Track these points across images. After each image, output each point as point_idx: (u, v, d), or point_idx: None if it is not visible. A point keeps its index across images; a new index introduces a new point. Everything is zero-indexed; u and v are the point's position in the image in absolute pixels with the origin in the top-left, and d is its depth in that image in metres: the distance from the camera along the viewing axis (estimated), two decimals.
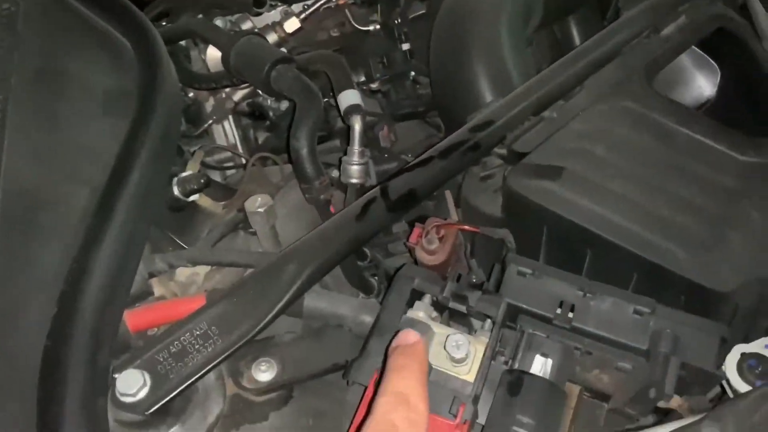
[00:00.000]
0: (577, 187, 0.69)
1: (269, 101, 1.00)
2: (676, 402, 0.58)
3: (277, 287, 0.57)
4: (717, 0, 0.91)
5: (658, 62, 0.85)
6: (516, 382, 0.55)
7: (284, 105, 1.01)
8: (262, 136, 1.04)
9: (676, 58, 0.92)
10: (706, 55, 0.94)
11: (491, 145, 0.72)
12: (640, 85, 0.80)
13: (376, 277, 0.78)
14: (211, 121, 0.97)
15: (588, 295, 0.61)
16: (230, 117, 1.01)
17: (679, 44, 0.86)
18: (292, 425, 0.57)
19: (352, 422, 0.52)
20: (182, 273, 0.67)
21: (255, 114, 0.97)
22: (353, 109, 0.73)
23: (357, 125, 0.73)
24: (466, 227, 0.67)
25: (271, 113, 0.99)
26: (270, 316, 0.56)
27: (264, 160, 0.84)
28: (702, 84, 0.96)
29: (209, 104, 1.00)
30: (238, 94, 0.99)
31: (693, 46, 0.94)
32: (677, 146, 0.74)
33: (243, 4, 0.93)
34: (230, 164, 0.99)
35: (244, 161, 0.98)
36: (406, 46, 1.03)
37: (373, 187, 0.66)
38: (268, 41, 0.83)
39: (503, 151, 0.74)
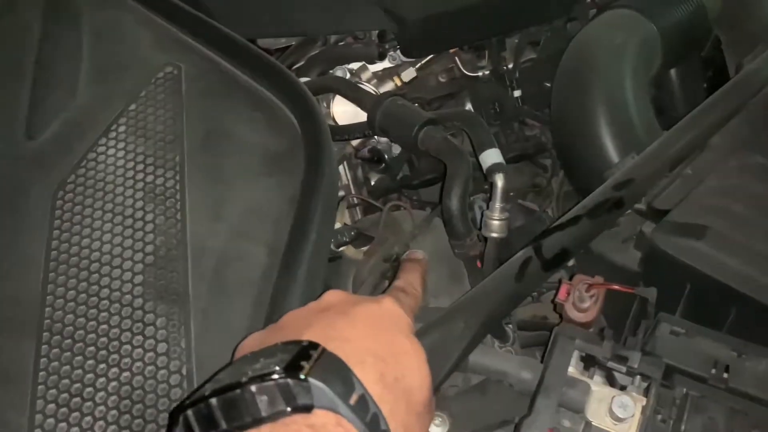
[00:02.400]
0: (720, 245, 0.71)
1: (383, 146, 1.04)
2: None
3: (451, 341, 0.60)
4: None
5: None
6: None
7: (396, 149, 1.05)
8: (372, 178, 1.09)
9: None
10: None
11: (633, 202, 0.75)
12: None
13: (510, 326, 0.80)
14: None
15: (743, 356, 0.63)
16: (345, 161, 1.05)
17: None
18: None
19: None
20: None
21: (373, 158, 1.02)
22: (496, 167, 0.77)
23: (500, 182, 0.76)
24: (617, 287, 0.70)
25: (386, 156, 1.03)
26: (447, 371, 0.59)
27: (397, 208, 0.88)
28: None
29: None
30: (356, 141, 1.03)
31: None
32: None
33: (367, 56, 0.97)
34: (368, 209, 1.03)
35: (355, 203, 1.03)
36: (517, 93, 1.07)
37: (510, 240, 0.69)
38: (411, 104, 0.87)
39: (642, 207, 0.76)
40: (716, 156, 0.80)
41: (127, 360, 0.60)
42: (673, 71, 1.12)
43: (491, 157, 0.78)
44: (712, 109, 0.84)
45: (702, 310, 0.72)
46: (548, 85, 1.03)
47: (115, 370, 0.60)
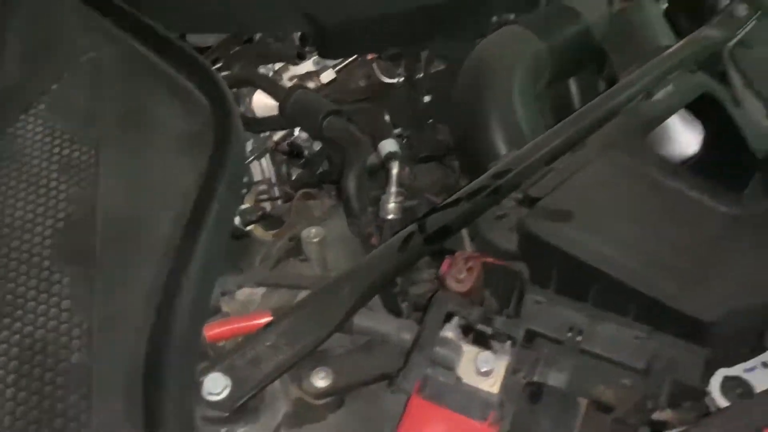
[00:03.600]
0: (584, 229, 0.81)
1: (304, 141, 1.11)
2: (668, 414, 0.68)
3: (335, 306, 0.67)
4: (701, 71, 1.05)
5: (651, 122, 0.98)
6: (537, 391, 0.65)
7: (317, 145, 1.12)
8: (294, 172, 1.15)
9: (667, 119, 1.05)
10: (692, 116, 1.07)
11: (509, 190, 0.84)
12: (635, 142, 0.93)
13: (405, 303, 0.88)
14: (252, 158, 1.08)
15: (596, 321, 0.72)
16: (267, 155, 1.12)
17: (668, 107, 0.99)
18: (344, 426, 0.66)
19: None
20: (242, 293, 0.77)
21: (292, 152, 1.09)
22: (392, 155, 0.85)
23: (394, 169, 0.84)
24: (490, 260, 0.78)
25: (306, 152, 1.10)
26: (330, 331, 0.66)
27: (307, 195, 0.95)
28: (689, 141, 1.09)
29: (249, 143, 1.11)
30: (277, 135, 1.10)
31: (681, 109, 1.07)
32: (668, 197, 0.87)
33: (287, 56, 1.05)
34: (265, 197, 1.10)
35: (277, 195, 1.09)
36: (427, 98, 1.16)
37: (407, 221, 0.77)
38: (319, 95, 0.94)
39: (519, 196, 0.86)
40: (589, 154, 0.91)
41: (31, 315, 0.64)
42: (573, 85, 1.24)
43: (388, 146, 0.87)
44: (588, 114, 0.95)
45: (570, 285, 0.81)
46: None
47: (18, 324, 0.64)
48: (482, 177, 0.83)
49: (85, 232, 0.70)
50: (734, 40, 1.10)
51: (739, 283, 0.77)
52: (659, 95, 1.00)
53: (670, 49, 1.08)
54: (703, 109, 1.06)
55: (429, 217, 0.77)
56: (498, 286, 0.84)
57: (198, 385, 0.61)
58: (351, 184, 0.80)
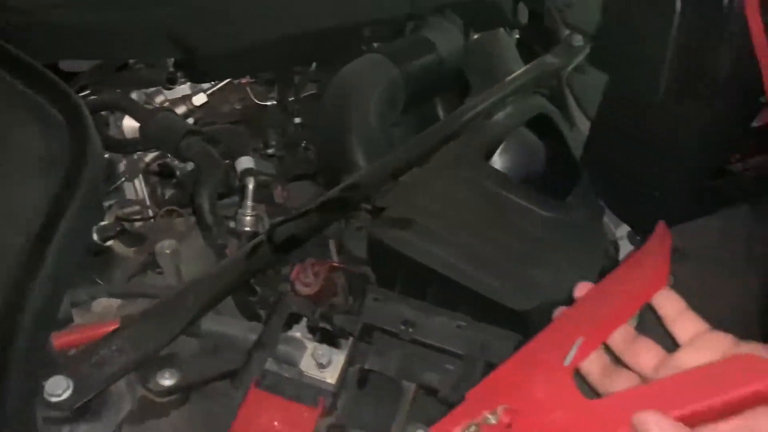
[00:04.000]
0: (424, 235, 0.90)
1: (176, 162, 1.16)
2: None
3: (181, 312, 0.73)
4: (537, 94, 1.19)
5: (491, 140, 1.10)
6: (363, 378, 0.73)
7: (190, 166, 1.17)
8: (168, 192, 1.19)
9: (516, 136, 1.18)
10: (533, 134, 1.20)
11: (357, 202, 0.92)
12: (475, 158, 1.04)
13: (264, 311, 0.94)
14: (123, 179, 1.12)
15: (426, 315, 0.81)
16: (140, 176, 1.16)
17: (506, 126, 1.12)
18: (187, 421, 0.71)
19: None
20: (99, 304, 0.80)
21: (164, 173, 1.13)
22: (247, 171, 0.92)
23: (250, 185, 0.91)
24: (334, 264, 0.86)
25: (177, 172, 1.15)
26: (174, 334, 0.71)
27: (171, 212, 0.99)
28: (532, 156, 1.22)
29: (122, 164, 1.14)
30: (149, 156, 1.14)
31: (524, 127, 1.20)
32: (499, 205, 0.98)
33: (157, 81, 1.10)
34: (138, 217, 1.13)
35: (151, 213, 1.13)
36: (298, 120, 1.24)
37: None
38: (180, 116, 1.00)
39: (368, 207, 0.94)
40: (434, 168, 1.01)
41: None
42: (439, 106, 1.36)
43: (244, 163, 0.93)
44: (435, 133, 1.06)
45: (412, 285, 0.90)
46: None
47: None
48: (332, 191, 0.91)
49: None
50: (570, 67, 1.25)
51: (552, 279, 0.88)
52: (499, 116, 1.12)
53: (514, 75, 1.22)
54: (543, 127, 1.19)
55: (278, 228, 0.84)
56: (347, 289, 0.93)
57: (41, 389, 0.64)
58: (204, 200, 0.86)
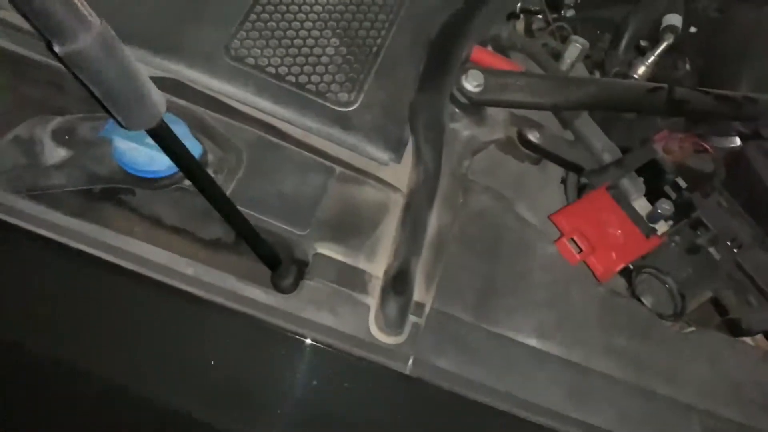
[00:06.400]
0: None
1: None
2: None
3: (574, 89, 0.78)
4: None
5: None
6: (692, 247, 0.75)
7: None
8: None
9: None
10: None
11: None
12: None
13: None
14: None
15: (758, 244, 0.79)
16: None
17: None
18: None
19: None
20: None
21: None
22: (669, 29, 0.94)
23: (667, 41, 0.93)
24: (702, 144, 0.86)
25: None
26: (562, 105, 0.77)
27: None
28: None
29: None
30: None
31: None
32: None
33: None
34: None
35: None
36: None
37: None
38: None
39: None
40: None
41: None
42: None
43: (670, 20, 0.95)
44: None
45: None
46: None
47: None
48: None
49: None
50: None
51: None
52: None
53: None
54: None
55: (679, 90, 0.84)
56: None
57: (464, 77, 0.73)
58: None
